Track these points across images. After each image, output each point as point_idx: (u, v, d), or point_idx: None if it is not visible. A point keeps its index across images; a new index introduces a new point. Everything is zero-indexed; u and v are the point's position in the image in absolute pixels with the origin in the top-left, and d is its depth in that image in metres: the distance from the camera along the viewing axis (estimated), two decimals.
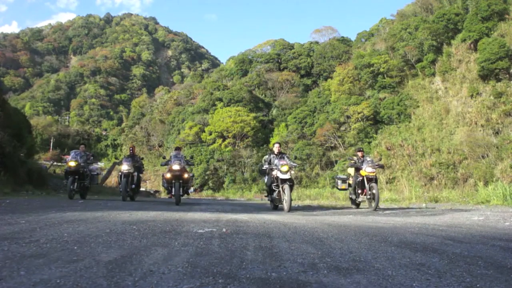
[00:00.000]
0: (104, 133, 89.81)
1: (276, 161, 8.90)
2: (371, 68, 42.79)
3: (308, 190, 32.09)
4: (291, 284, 1.43)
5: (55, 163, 38.28)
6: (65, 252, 1.90)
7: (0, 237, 2.24)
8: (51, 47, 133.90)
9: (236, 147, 48.65)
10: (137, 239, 2.43)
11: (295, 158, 42.21)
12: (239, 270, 1.61)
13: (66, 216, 4.08)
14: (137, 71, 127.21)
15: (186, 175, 10.05)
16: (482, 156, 25.69)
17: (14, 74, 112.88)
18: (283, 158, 9.02)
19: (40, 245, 2.03)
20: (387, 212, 8.78)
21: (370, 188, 9.24)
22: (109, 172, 35.56)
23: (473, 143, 26.65)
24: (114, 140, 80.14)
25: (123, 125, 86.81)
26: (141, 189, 37.46)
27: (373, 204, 8.94)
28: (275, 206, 9.63)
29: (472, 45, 34.87)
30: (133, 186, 11.58)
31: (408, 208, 10.23)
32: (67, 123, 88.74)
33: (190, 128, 51.59)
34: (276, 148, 9.55)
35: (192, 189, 48.20)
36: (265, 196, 10.50)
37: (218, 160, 47.46)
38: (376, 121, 40.38)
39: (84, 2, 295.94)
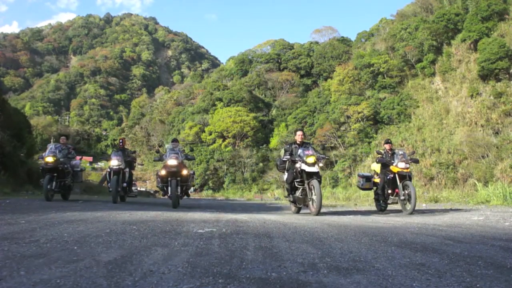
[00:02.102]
0: (104, 133, 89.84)
1: (299, 152, 7.26)
2: (371, 68, 42.81)
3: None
4: (291, 284, 1.43)
5: None
6: (65, 252, 1.90)
7: (0, 237, 2.24)
8: (51, 47, 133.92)
9: (236, 147, 48.64)
10: (137, 239, 2.43)
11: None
12: (239, 270, 1.61)
13: (66, 216, 4.08)
14: (137, 71, 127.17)
15: (184, 172, 8.52)
16: (482, 156, 25.69)
17: (14, 74, 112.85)
18: (308, 148, 7.44)
19: (40, 245, 2.03)
20: (390, 214, 8.79)
21: (404, 187, 7.74)
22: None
23: (473, 143, 26.65)
24: (114, 140, 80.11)
25: (123, 125, 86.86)
26: (141, 189, 37.31)
27: (409, 207, 7.52)
28: (298, 208, 7.84)
29: (472, 45, 34.87)
30: (125, 184, 9.93)
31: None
32: (67, 123, 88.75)
33: (190, 128, 51.60)
34: (298, 136, 7.80)
35: (192, 189, 48.16)
36: (285, 197, 8.46)
37: (218, 160, 47.45)
38: (376, 121, 40.39)
39: (84, 2, 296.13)
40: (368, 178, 9.30)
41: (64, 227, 2.99)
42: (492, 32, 33.39)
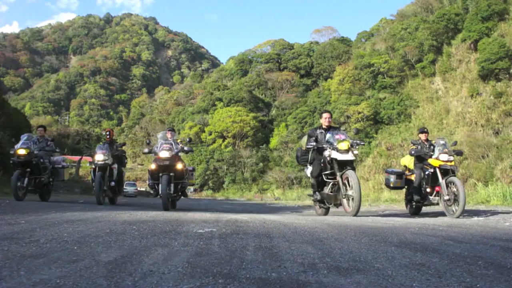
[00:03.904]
0: (103, 133, 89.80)
1: (328, 136, 6.02)
2: (371, 68, 42.82)
3: (308, 190, 32.03)
4: (291, 284, 1.43)
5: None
6: (65, 252, 1.90)
7: (0, 237, 2.24)
8: (51, 47, 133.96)
9: (236, 147, 48.64)
10: (137, 239, 2.43)
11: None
12: (239, 270, 1.62)
13: (66, 216, 4.08)
14: (137, 71, 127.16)
15: (179, 166, 7.05)
16: (482, 156, 25.68)
17: (14, 74, 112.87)
18: (338, 132, 6.21)
19: (40, 245, 2.03)
20: (387, 212, 8.78)
21: (449, 185, 6.32)
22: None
23: (473, 143, 26.64)
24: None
25: (123, 125, 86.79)
26: (141, 189, 37.19)
27: (456, 209, 6.05)
28: (326, 209, 6.51)
29: (472, 45, 34.87)
30: (113, 183, 8.54)
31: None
32: (67, 123, 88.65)
33: (190, 128, 51.61)
34: (325, 120, 6.58)
35: (192, 188, 48.03)
36: (309, 196, 7.04)
37: (218, 160, 47.45)
38: (376, 121, 40.40)
39: (84, 2, 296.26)
40: (399, 175, 7.62)
41: (64, 227, 2.99)
42: (492, 32, 33.39)
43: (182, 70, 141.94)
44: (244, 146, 48.26)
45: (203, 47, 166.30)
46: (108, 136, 9.52)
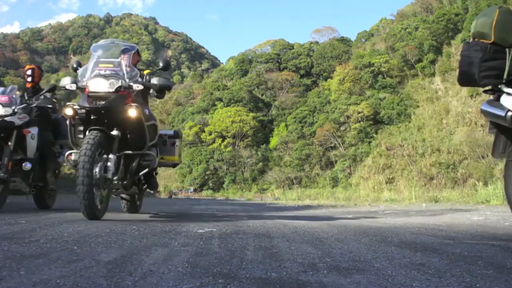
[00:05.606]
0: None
1: None
2: (371, 68, 42.87)
3: (308, 190, 32.08)
4: (291, 284, 1.43)
5: None
6: (65, 252, 1.90)
7: (0, 237, 2.25)
8: (51, 47, 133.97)
9: (236, 147, 48.66)
10: (137, 239, 2.43)
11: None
12: (239, 270, 1.62)
13: (66, 216, 4.08)
14: None
15: (132, 113, 3.58)
16: (482, 156, 25.70)
17: (14, 74, 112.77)
18: None
19: (40, 245, 2.03)
20: (387, 212, 8.79)
21: None
22: None
23: (473, 143, 26.67)
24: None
25: None
26: None
27: None
28: None
29: None
30: (28, 165, 4.62)
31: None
32: None
33: (190, 128, 51.63)
34: None
35: (192, 188, 47.90)
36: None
37: (218, 160, 47.46)
38: (376, 121, 40.44)
39: (85, 3, 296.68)
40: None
41: (64, 227, 2.99)
42: None
43: (182, 70, 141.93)
44: (244, 146, 48.30)
45: (203, 47, 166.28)
46: (30, 78, 5.34)
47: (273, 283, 1.43)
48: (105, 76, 3.60)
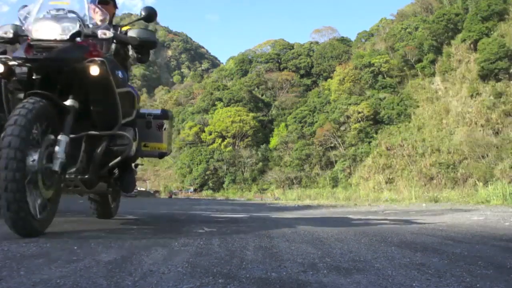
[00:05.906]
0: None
1: None
2: (371, 68, 42.88)
3: (308, 190, 32.09)
4: (291, 284, 1.43)
5: None
6: (65, 252, 1.90)
7: (0, 237, 2.25)
8: None
9: (236, 147, 48.66)
10: (137, 239, 2.43)
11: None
12: (239, 270, 1.62)
13: (66, 216, 4.09)
14: (137, 71, 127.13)
15: (94, 71, 2.29)
16: (482, 156, 25.71)
17: None
18: None
19: (40, 245, 2.03)
20: (387, 211, 8.80)
21: None
22: None
23: (473, 143, 26.68)
24: None
25: None
26: (141, 189, 37.06)
27: None
28: None
29: (472, 45, 34.91)
30: None
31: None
32: None
33: (190, 128, 51.64)
34: None
35: (192, 188, 47.93)
36: None
37: (218, 160, 47.46)
38: (376, 121, 40.43)
39: None
40: None
41: (64, 227, 2.99)
42: (492, 32, 33.44)
43: (182, 70, 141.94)
44: (244, 146, 48.30)
45: (203, 47, 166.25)
46: None
47: (273, 283, 1.43)
48: (57, 18, 2.40)
